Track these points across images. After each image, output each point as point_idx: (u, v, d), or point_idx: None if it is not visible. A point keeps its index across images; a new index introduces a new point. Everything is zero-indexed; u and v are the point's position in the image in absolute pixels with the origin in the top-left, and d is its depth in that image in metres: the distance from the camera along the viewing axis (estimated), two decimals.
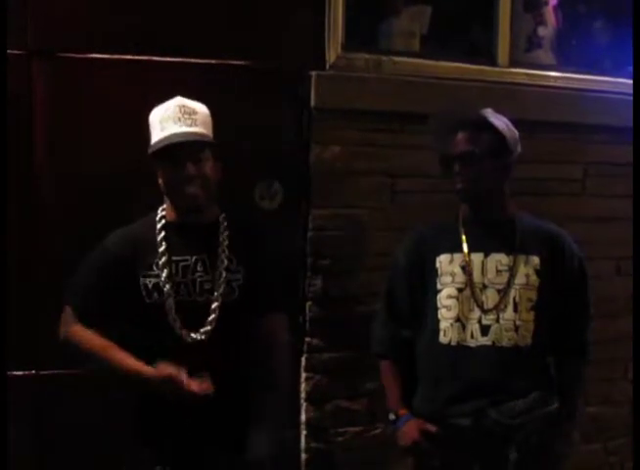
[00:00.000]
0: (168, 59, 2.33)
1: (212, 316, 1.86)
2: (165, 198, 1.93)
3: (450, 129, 2.06)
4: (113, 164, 2.28)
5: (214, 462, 1.89)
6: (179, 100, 1.89)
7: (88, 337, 1.90)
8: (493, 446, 2.01)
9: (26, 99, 2.20)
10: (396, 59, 2.67)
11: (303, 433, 2.55)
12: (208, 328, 1.85)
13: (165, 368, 1.78)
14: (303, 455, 2.56)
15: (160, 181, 1.89)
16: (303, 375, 2.53)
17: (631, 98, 2.88)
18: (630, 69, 3.05)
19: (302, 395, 2.54)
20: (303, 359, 2.53)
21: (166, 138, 1.83)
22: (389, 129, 2.59)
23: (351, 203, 2.55)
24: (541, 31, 3.01)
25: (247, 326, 1.93)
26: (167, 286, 1.85)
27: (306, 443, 2.55)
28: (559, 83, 2.92)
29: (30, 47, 2.20)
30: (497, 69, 2.83)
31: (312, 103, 2.48)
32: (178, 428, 1.86)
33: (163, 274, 1.85)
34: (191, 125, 1.85)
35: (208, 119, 1.91)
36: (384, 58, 2.65)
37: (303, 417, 2.55)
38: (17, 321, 2.13)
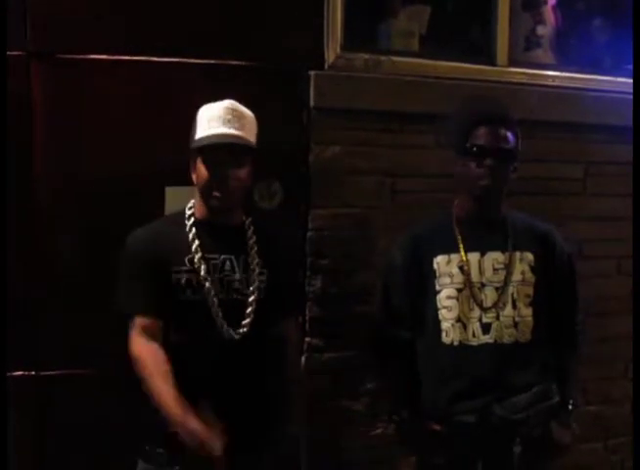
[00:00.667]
0: (168, 59, 2.32)
1: (250, 314, 1.89)
2: (196, 195, 1.94)
3: (477, 119, 2.04)
4: (112, 166, 2.28)
5: (233, 460, 1.87)
6: (230, 102, 1.91)
7: (148, 357, 1.84)
8: (498, 442, 2.04)
9: (26, 100, 2.20)
10: (395, 59, 2.67)
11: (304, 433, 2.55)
12: (246, 326, 1.88)
13: (193, 422, 1.75)
14: (305, 456, 2.56)
15: (196, 177, 1.91)
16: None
17: (631, 97, 2.89)
18: (630, 67, 3.05)
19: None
20: (303, 359, 2.52)
21: (215, 136, 1.85)
22: (389, 129, 2.59)
23: (351, 202, 2.55)
24: (540, 30, 3.01)
25: (272, 326, 1.97)
26: (207, 282, 1.86)
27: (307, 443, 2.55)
28: (558, 83, 2.92)
29: (29, 48, 2.20)
30: (496, 68, 2.83)
31: (311, 103, 2.48)
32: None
33: (202, 271, 1.86)
34: (239, 129, 1.88)
35: (255, 126, 1.94)
36: (383, 58, 2.65)
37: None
38: (16, 322, 2.13)
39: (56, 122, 2.25)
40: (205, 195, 1.90)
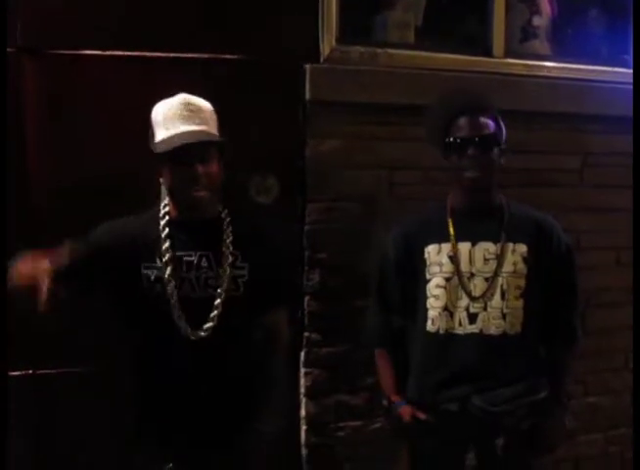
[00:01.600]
0: (161, 54, 2.31)
1: (215, 313, 1.84)
2: (167, 196, 1.90)
3: (452, 113, 2.04)
4: (104, 161, 2.27)
5: (217, 458, 1.88)
6: (184, 97, 1.84)
7: None
8: (481, 432, 2.05)
9: (16, 96, 2.18)
10: (391, 51, 2.65)
11: (303, 428, 2.55)
12: (211, 324, 1.83)
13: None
14: (304, 450, 2.56)
15: (164, 180, 1.85)
16: (303, 370, 2.53)
17: (628, 87, 2.88)
18: (626, 57, 3.05)
19: (302, 390, 2.53)
20: (302, 354, 2.52)
21: (175, 137, 1.78)
22: (385, 122, 2.57)
23: (348, 196, 2.54)
24: (536, 21, 2.99)
25: (251, 321, 1.92)
26: (172, 283, 1.82)
27: (307, 438, 2.55)
28: (555, 73, 2.90)
29: (19, 44, 2.18)
30: (493, 59, 2.82)
31: (307, 96, 2.47)
32: (181, 425, 1.85)
33: (167, 271, 1.82)
34: (199, 124, 1.81)
35: (214, 116, 1.88)
36: (379, 50, 2.63)
37: (303, 412, 2.54)
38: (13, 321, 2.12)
39: (48, 118, 2.24)
40: (177, 197, 1.85)
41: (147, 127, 2.23)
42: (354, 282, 2.54)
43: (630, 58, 3.05)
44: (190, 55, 2.34)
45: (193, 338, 1.82)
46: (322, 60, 2.54)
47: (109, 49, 2.26)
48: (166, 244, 1.85)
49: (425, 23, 2.82)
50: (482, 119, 2.02)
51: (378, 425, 2.62)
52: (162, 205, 1.92)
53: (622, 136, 2.93)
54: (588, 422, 2.88)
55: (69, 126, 2.26)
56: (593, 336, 2.58)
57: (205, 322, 1.83)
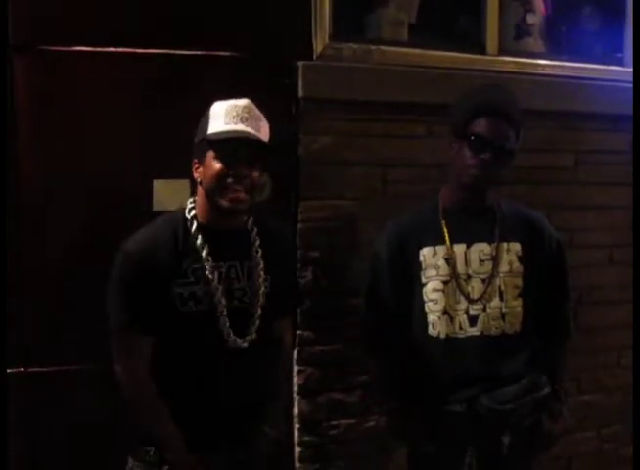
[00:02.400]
0: (153, 51, 2.30)
1: (255, 320, 1.84)
2: (200, 196, 1.85)
3: (480, 108, 2.00)
4: (97, 159, 2.26)
5: (221, 461, 1.88)
6: (248, 102, 1.83)
7: (146, 384, 1.81)
8: (487, 431, 2.04)
9: (8, 93, 2.16)
10: (385, 48, 2.65)
11: (297, 426, 2.54)
12: (253, 333, 1.84)
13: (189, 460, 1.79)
14: (297, 449, 2.55)
15: (204, 174, 1.80)
16: (296, 368, 2.52)
17: (621, 85, 2.89)
18: (620, 55, 3.06)
19: (295, 388, 2.52)
20: (295, 352, 2.51)
21: (235, 132, 1.76)
22: (379, 119, 2.57)
23: (341, 193, 2.53)
24: (530, 19, 2.99)
25: (271, 330, 1.93)
26: (218, 292, 1.79)
27: (300, 436, 2.54)
28: (548, 71, 2.90)
29: (10, 41, 2.16)
30: (486, 57, 2.81)
31: (300, 93, 2.45)
32: (203, 429, 1.84)
33: (214, 280, 1.79)
34: (257, 130, 1.80)
35: (268, 131, 1.87)
36: (372, 47, 2.63)
37: (296, 410, 2.53)
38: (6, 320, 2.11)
39: (39, 115, 2.22)
40: (215, 193, 1.78)
41: (139, 123, 2.28)
42: (347, 280, 2.54)
43: (624, 55, 3.06)
44: (183, 52, 2.33)
45: (244, 345, 1.82)
46: (315, 57, 2.53)
47: (100, 46, 2.24)
48: (204, 252, 1.80)
49: (418, 21, 2.81)
50: (507, 128, 1.98)
51: (371, 423, 2.62)
52: (188, 208, 1.86)
53: (616, 134, 2.94)
54: (581, 420, 2.88)
55: (60, 123, 2.24)
56: (586, 334, 2.58)
57: (245, 333, 1.83)
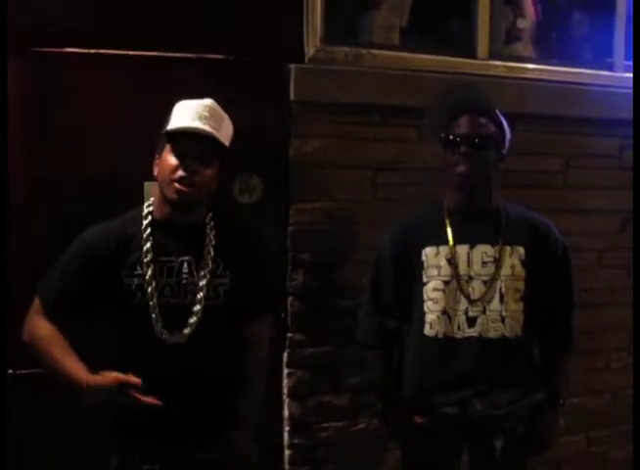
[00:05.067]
0: (146, 53, 2.29)
1: (194, 319, 1.84)
2: (156, 191, 1.88)
3: (456, 110, 2.04)
4: (89, 160, 2.25)
5: (197, 462, 1.88)
6: (211, 101, 1.87)
7: (43, 332, 1.85)
8: (480, 435, 2.05)
9: (1, 95, 2.16)
10: (376, 52, 2.66)
11: (286, 429, 2.54)
12: (188, 330, 1.83)
13: (110, 374, 1.76)
14: (287, 451, 2.55)
15: (160, 167, 1.84)
16: (286, 371, 2.52)
17: (610, 90, 2.91)
18: (609, 60, 3.08)
19: (285, 390, 2.53)
20: (285, 355, 2.51)
21: (190, 127, 1.79)
22: (370, 122, 2.58)
23: (332, 196, 2.54)
24: (520, 24, 3.01)
25: (231, 329, 1.92)
26: (151, 286, 1.82)
27: (290, 438, 2.54)
28: (538, 76, 2.92)
29: (6, 43, 2.15)
30: (477, 61, 2.83)
31: (292, 96, 2.46)
32: (161, 429, 1.84)
33: (148, 273, 1.82)
34: (215, 128, 1.83)
35: (230, 131, 1.90)
36: (363, 51, 2.64)
37: (286, 413, 2.54)
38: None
39: (32, 116, 2.22)
40: (167, 187, 1.81)
41: (131, 125, 2.28)
42: (337, 283, 2.55)
43: (613, 60, 3.08)
44: (175, 54, 2.33)
45: (170, 343, 1.82)
46: (307, 60, 2.54)
47: (94, 47, 2.24)
48: (147, 245, 1.83)
49: (410, 25, 2.83)
50: (481, 119, 2.02)
51: (361, 426, 2.62)
52: (147, 204, 1.91)
53: (605, 138, 2.96)
54: (570, 422, 2.89)
55: (55, 125, 2.24)
56: (576, 336, 2.57)
57: (184, 328, 1.83)
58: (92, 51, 2.25)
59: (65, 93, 2.25)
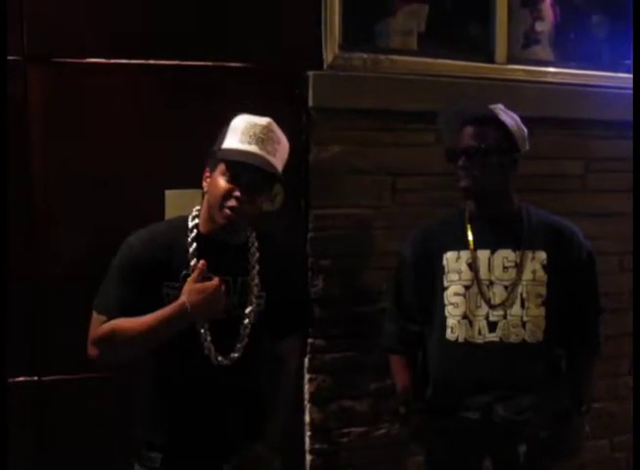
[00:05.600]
0: (164, 62, 2.32)
1: (243, 338, 1.83)
2: (204, 206, 1.86)
3: (458, 123, 2.05)
4: (109, 169, 2.27)
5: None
6: (270, 121, 1.82)
7: (108, 327, 1.80)
8: (503, 440, 2.04)
9: (22, 104, 2.19)
10: (394, 57, 2.66)
11: (307, 434, 2.55)
12: (238, 351, 1.83)
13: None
14: (308, 457, 2.55)
15: (211, 187, 1.80)
16: (307, 376, 2.53)
17: (630, 92, 2.88)
18: (628, 62, 3.05)
19: (306, 396, 2.53)
20: (306, 360, 2.52)
21: (247, 154, 1.76)
22: (389, 128, 2.58)
23: (352, 202, 2.55)
24: (539, 27, 3.00)
25: (264, 348, 1.92)
26: None
27: (311, 444, 2.55)
28: (557, 79, 2.91)
29: (26, 52, 2.19)
30: (495, 65, 2.82)
31: (310, 103, 2.47)
32: (190, 438, 1.84)
33: None
34: (272, 153, 1.79)
35: (286, 153, 1.87)
36: (381, 57, 2.64)
37: (307, 418, 2.54)
38: (17, 326, 2.12)
39: (53, 126, 2.25)
40: (217, 210, 1.78)
41: (152, 134, 2.30)
42: (358, 288, 2.55)
43: (632, 62, 3.05)
44: (194, 63, 2.35)
45: (226, 362, 1.81)
46: (325, 66, 2.54)
47: (114, 57, 2.27)
48: (194, 261, 1.80)
49: (427, 30, 2.83)
50: (483, 129, 2.01)
51: (382, 431, 2.62)
52: (192, 215, 1.88)
53: (625, 141, 2.92)
54: (593, 428, 2.86)
55: (74, 135, 2.26)
56: (602, 343, 2.55)
57: (225, 350, 1.81)
58: (113, 61, 2.27)
59: (86, 103, 2.27)
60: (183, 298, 1.74)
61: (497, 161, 2.02)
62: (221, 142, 1.81)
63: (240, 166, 1.76)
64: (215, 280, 1.75)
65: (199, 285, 1.74)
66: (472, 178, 1.99)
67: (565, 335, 2.09)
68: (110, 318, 1.80)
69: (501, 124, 2.02)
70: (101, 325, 1.81)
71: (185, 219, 1.88)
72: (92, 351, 1.82)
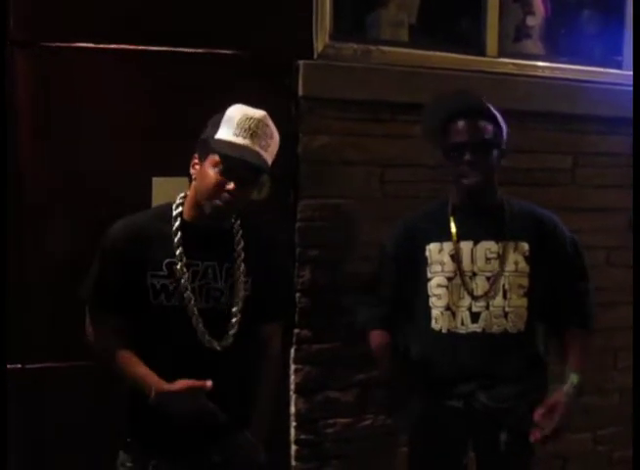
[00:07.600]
0: (154, 48, 2.30)
1: (234, 324, 1.84)
2: (190, 194, 1.86)
3: (446, 116, 2.04)
4: (97, 156, 2.26)
5: (206, 462, 1.88)
6: (265, 115, 1.82)
7: (106, 343, 1.84)
8: (485, 428, 2.06)
9: (9, 90, 2.16)
10: (385, 48, 2.65)
11: (293, 424, 2.55)
12: (230, 337, 1.83)
13: (186, 382, 1.74)
14: (293, 447, 2.55)
15: (200, 177, 1.81)
16: (293, 367, 2.52)
17: (620, 88, 2.89)
18: (619, 58, 3.06)
19: (292, 386, 2.53)
20: (292, 351, 2.51)
21: (239, 148, 1.76)
22: (378, 119, 2.57)
23: (340, 193, 2.54)
24: (530, 21, 3.01)
25: (250, 333, 1.92)
26: (187, 291, 1.80)
27: (296, 434, 2.55)
28: (547, 73, 2.91)
29: (12, 36, 2.16)
30: (486, 58, 2.82)
31: (300, 93, 2.46)
32: (179, 429, 1.83)
33: (183, 279, 1.80)
34: (264, 148, 1.80)
35: (277, 148, 1.87)
36: (372, 47, 2.63)
37: (293, 409, 2.54)
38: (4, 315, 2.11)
39: (40, 112, 2.23)
40: (206, 201, 1.80)
41: (140, 120, 2.28)
42: (345, 279, 2.54)
43: (622, 58, 3.07)
44: (184, 49, 2.33)
45: (219, 348, 1.82)
46: (315, 56, 2.53)
47: (102, 42, 2.25)
48: (179, 249, 1.81)
49: (418, 22, 2.83)
50: (480, 123, 2.01)
51: (368, 422, 2.62)
52: (176, 203, 1.88)
53: (614, 136, 2.94)
54: (577, 421, 2.87)
55: (61, 120, 2.24)
56: (595, 318, 2.56)
57: (215, 336, 1.82)
58: (100, 46, 2.25)
59: (72, 88, 2.25)
60: (154, 390, 1.75)
61: (497, 153, 2.03)
62: (214, 131, 1.80)
63: (233, 161, 1.76)
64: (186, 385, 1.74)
65: (170, 391, 1.74)
66: (478, 174, 1.99)
67: (555, 314, 2.11)
68: (89, 304, 1.85)
69: (493, 117, 2.03)
70: (90, 313, 1.86)
71: (168, 207, 1.88)
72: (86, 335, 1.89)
